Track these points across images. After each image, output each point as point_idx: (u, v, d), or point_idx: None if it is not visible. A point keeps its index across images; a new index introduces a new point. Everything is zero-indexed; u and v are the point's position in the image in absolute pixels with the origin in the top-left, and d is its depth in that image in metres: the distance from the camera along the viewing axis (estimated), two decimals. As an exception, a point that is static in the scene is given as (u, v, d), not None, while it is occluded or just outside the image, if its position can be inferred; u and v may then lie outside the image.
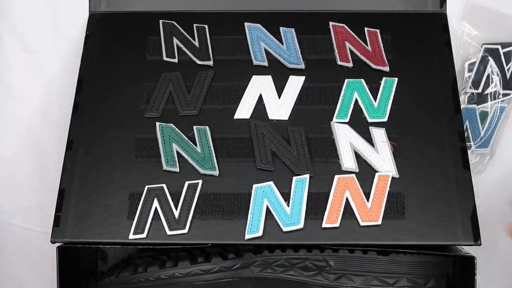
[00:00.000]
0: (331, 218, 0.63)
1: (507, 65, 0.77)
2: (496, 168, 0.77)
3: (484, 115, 0.77)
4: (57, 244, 0.63)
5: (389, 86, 0.70)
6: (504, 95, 0.77)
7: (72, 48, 0.79)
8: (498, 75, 0.77)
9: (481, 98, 0.77)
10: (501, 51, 0.77)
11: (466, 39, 0.78)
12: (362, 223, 0.62)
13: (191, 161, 0.66)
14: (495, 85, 0.77)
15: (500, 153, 0.77)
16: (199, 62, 0.72)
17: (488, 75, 0.77)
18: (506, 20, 0.78)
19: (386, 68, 0.71)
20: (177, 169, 0.65)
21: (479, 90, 0.77)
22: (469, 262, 0.62)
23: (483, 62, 0.77)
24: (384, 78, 0.70)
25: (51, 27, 0.80)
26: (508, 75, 0.77)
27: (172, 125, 0.68)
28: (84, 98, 0.70)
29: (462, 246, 0.65)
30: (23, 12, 0.81)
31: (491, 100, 0.77)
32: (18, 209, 0.79)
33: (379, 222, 0.63)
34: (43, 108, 0.80)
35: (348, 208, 0.63)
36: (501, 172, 0.77)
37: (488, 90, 0.77)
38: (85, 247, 0.69)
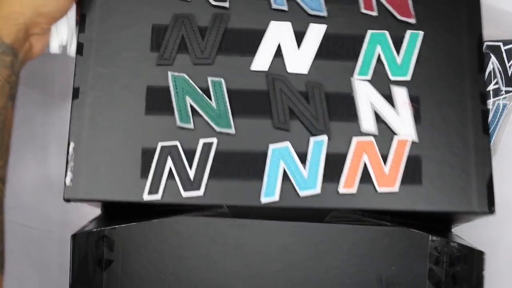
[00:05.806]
0: (348, 183, 0.62)
1: (508, 62, 0.76)
2: (498, 165, 0.75)
3: (485, 112, 0.76)
4: (72, 232, 0.63)
5: (413, 40, 0.66)
6: (506, 92, 0.75)
7: None
8: (500, 72, 0.75)
9: (482, 95, 0.76)
10: (503, 48, 0.76)
11: (468, 35, 0.76)
12: (379, 189, 0.62)
13: (206, 118, 0.63)
14: (497, 82, 0.75)
15: (502, 150, 0.77)
16: (213, 3, 0.66)
17: (489, 72, 0.75)
18: (508, 17, 0.76)
19: (412, 20, 0.67)
20: (191, 126, 0.63)
21: None
22: (478, 257, 0.63)
23: (485, 59, 0.74)
24: (408, 31, 0.66)
25: None
26: (510, 72, 0.76)
27: (185, 75, 0.64)
28: (89, 38, 0.65)
29: (471, 242, 0.66)
30: None
31: (493, 97, 0.76)
32: (18, 207, 0.77)
33: (396, 189, 0.62)
34: (44, 105, 0.77)
35: (365, 173, 0.62)
36: (503, 169, 0.75)
37: (490, 87, 0.76)
38: (93, 231, 0.68)
